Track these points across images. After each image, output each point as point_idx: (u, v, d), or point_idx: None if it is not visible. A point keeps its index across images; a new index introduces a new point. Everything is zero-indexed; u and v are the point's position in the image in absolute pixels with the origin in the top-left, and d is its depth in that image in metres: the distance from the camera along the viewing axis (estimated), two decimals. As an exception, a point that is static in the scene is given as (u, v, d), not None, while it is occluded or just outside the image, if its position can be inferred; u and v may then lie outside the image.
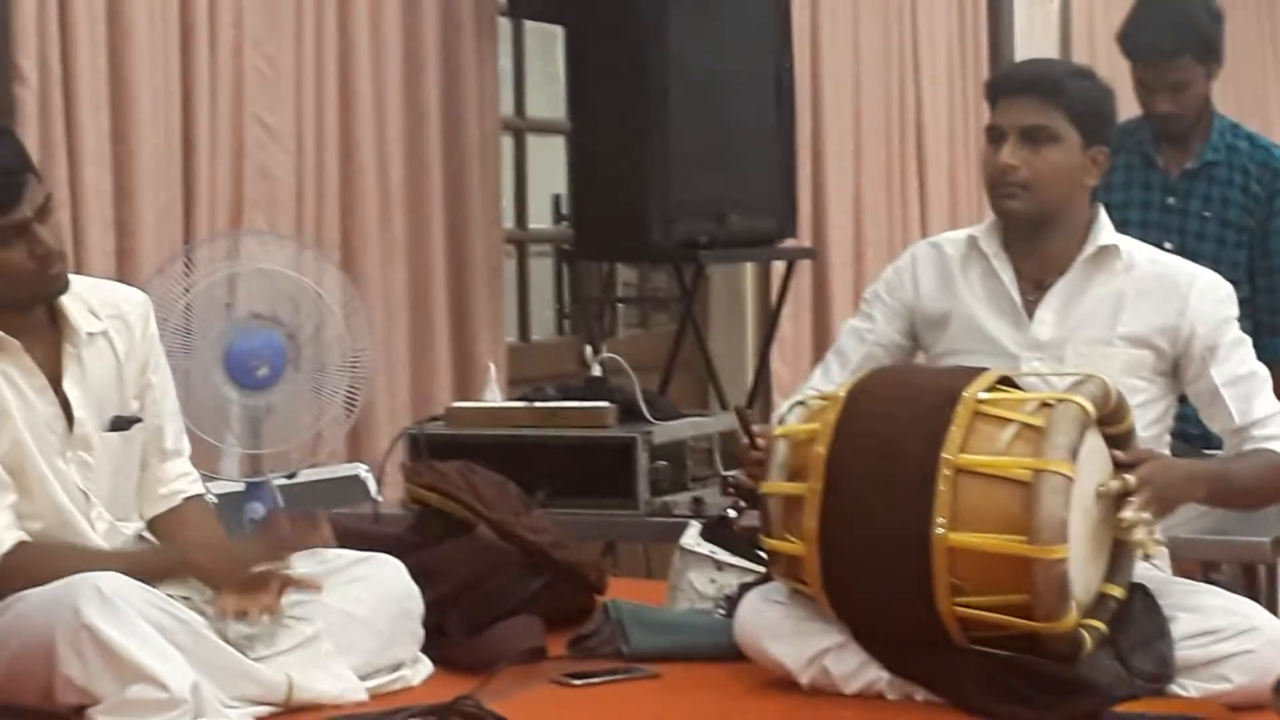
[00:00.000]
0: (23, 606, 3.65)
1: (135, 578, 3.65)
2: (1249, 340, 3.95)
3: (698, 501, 5.33)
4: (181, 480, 4.12)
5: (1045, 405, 3.56)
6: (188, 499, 4.10)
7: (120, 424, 3.99)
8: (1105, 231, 3.96)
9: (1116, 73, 4.88)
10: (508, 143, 7.47)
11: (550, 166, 7.97)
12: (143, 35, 5.60)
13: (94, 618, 3.49)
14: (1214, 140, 4.98)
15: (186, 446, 4.26)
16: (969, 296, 3.99)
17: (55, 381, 3.91)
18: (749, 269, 8.19)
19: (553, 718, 3.60)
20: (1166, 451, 3.91)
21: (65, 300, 3.93)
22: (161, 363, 4.16)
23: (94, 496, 3.94)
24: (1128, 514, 3.55)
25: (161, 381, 4.13)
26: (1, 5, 5.29)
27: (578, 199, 7.11)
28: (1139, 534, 3.56)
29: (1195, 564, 4.19)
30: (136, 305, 4.13)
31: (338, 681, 3.79)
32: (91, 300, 4.03)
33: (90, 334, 3.97)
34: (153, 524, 4.05)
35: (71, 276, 3.98)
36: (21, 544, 3.75)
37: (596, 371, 5.85)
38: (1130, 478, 3.60)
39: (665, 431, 5.58)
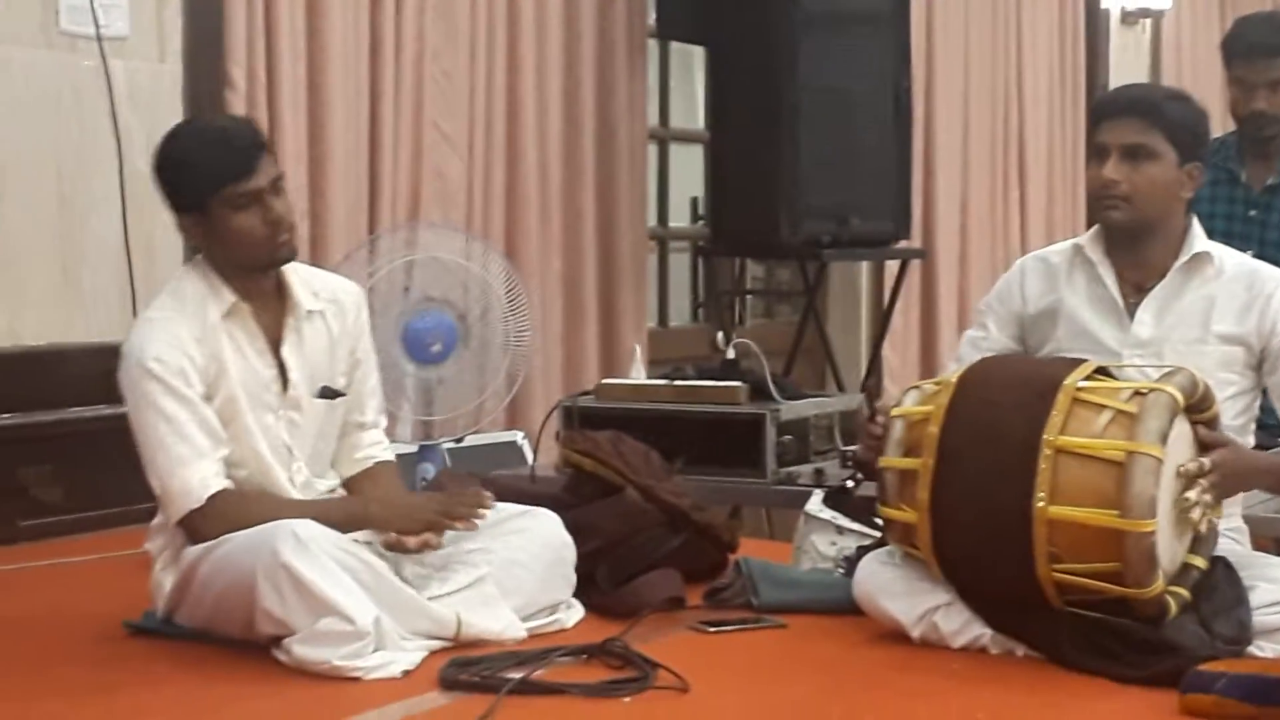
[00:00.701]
0: (227, 548, 3.67)
1: (323, 525, 3.70)
2: None
3: (819, 472, 5.31)
4: (375, 447, 4.19)
5: (1138, 394, 3.53)
6: (379, 463, 4.16)
7: (328, 393, 4.05)
8: (1199, 240, 3.92)
9: (1203, 95, 4.83)
10: (652, 150, 7.47)
11: (689, 172, 7.98)
12: (337, 49, 5.68)
13: (290, 558, 3.53)
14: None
15: (383, 420, 4.31)
16: (1074, 300, 3.95)
17: (275, 347, 3.98)
18: (865, 267, 8.18)
19: (690, 661, 3.56)
20: (1251, 438, 3.86)
21: (291, 279, 4.01)
22: (369, 346, 4.22)
23: (297, 452, 4.00)
24: (1191, 494, 3.53)
25: (366, 362, 4.20)
26: (216, 22, 5.37)
27: (713, 201, 7.14)
28: (1195, 514, 3.55)
29: (1270, 540, 4.11)
30: (351, 295, 4.19)
31: (500, 620, 3.80)
32: (314, 284, 4.09)
33: (310, 311, 4.03)
34: (347, 483, 4.10)
35: (296, 264, 4.06)
36: (226, 491, 3.79)
37: (730, 355, 5.84)
38: (1206, 461, 3.58)
39: (791, 410, 5.55)
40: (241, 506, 3.77)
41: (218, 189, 3.84)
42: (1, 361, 4.94)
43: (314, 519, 3.70)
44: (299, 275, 4.06)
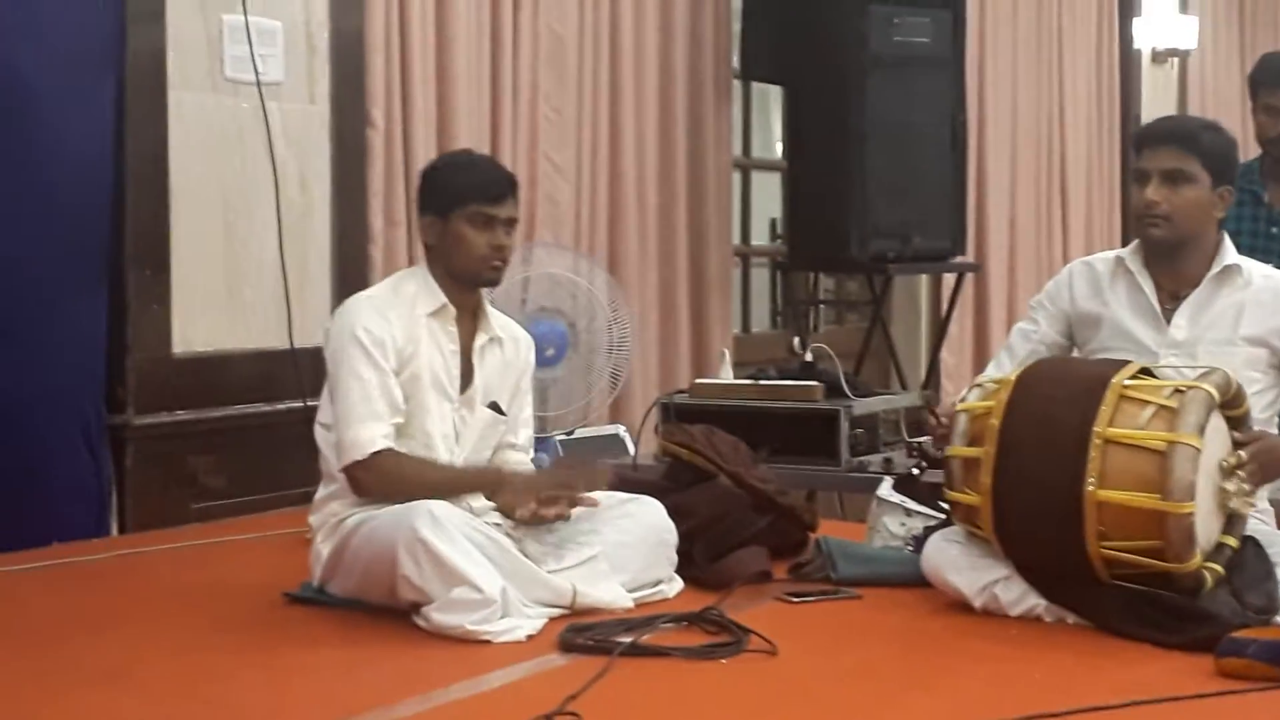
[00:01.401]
0: (373, 524, 3.72)
1: (467, 488, 3.86)
2: None
3: (887, 461, 5.32)
4: (513, 458, 4.18)
5: (1178, 391, 3.52)
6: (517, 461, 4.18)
7: (494, 408, 4.10)
8: (1229, 253, 3.90)
9: (1231, 124, 4.80)
10: (736, 177, 7.45)
11: (768, 196, 7.97)
12: (462, 91, 5.71)
13: (427, 534, 3.56)
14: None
15: (530, 446, 4.31)
16: (1116, 305, 3.94)
17: (466, 353, 4.04)
18: (925, 279, 8.16)
19: (777, 628, 3.56)
20: (1276, 430, 3.83)
21: (490, 307, 4.13)
22: (529, 385, 4.27)
23: (458, 447, 4.02)
24: (1230, 485, 3.54)
25: (525, 395, 4.25)
26: (358, 69, 5.41)
27: (790, 222, 7.13)
28: (1234, 503, 3.56)
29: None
30: (526, 339, 4.27)
31: (611, 592, 3.82)
32: (500, 319, 4.20)
33: (496, 337, 4.11)
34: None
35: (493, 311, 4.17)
36: (389, 450, 3.83)
37: (807, 357, 5.84)
38: (1243, 453, 3.57)
39: (862, 406, 5.57)
40: (398, 465, 3.82)
41: (466, 203, 3.95)
42: (176, 365, 4.96)
43: (456, 480, 3.83)
44: (493, 309, 4.16)
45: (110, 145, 4.76)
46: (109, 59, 4.75)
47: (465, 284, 4.01)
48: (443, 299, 3.98)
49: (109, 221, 4.78)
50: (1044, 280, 8.32)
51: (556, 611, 3.70)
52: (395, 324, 3.92)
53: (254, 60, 5.12)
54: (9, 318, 4.52)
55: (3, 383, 4.48)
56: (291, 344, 5.19)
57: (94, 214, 4.75)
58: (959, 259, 7.26)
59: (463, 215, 3.95)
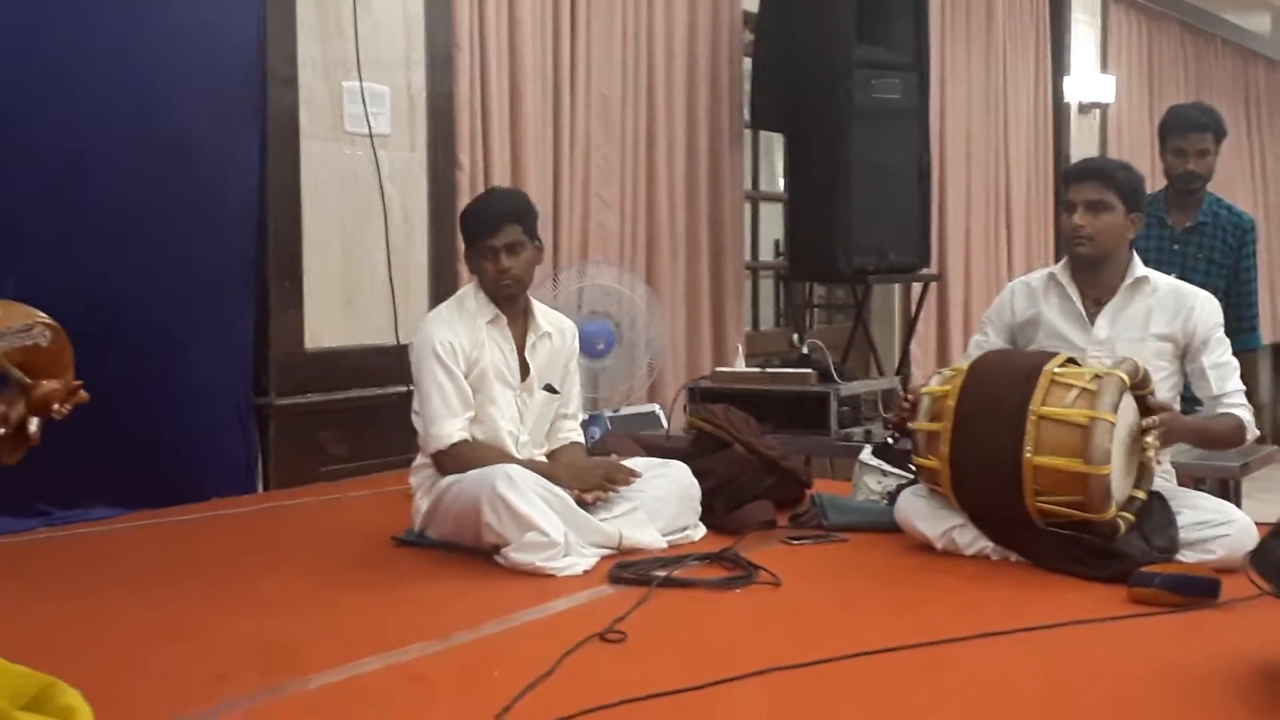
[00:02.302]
0: (462, 484, 3.74)
1: (528, 467, 3.78)
2: (1228, 340, 3.86)
3: (868, 433, 5.32)
4: (570, 432, 4.20)
5: (1097, 376, 3.52)
6: (571, 442, 4.17)
7: (549, 389, 4.10)
8: (1139, 267, 3.89)
9: (1137, 164, 4.79)
10: (747, 207, 7.42)
11: (772, 222, 7.94)
12: (531, 141, 5.73)
13: (504, 491, 3.59)
14: (1205, 208, 4.88)
15: (579, 413, 4.32)
16: (1050, 311, 3.93)
17: (520, 350, 4.04)
18: (897, 288, 8.11)
19: (781, 564, 3.59)
20: (1177, 407, 3.84)
21: (535, 308, 4.10)
22: (575, 365, 4.25)
23: (522, 424, 4.04)
24: (1148, 439, 3.54)
25: (574, 375, 4.23)
26: (448, 122, 5.43)
27: (790, 242, 7.10)
28: (1150, 453, 3.56)
29: (1190, 479, 4.09)
30: (570, 328, 4.24)
31: (649, 536, 3.83)
32: (549, 316, 4.18)
33: (544, 332, 4.09)
34: (550, 453, 4.09)
35: (536, 301, 4.16)
36: (464, 441, 3.87)
37: (804, 350, 5.87)
38: (1157, 419, 3.57)
39: (847, 389, 5.59)
40: (472, 453, 3.83)
41: (473, 241, 3.98)
42: (307, 358, 4.99)
43: (522, 465, 3.77)
44: (539, 308, 4.14)
45: (256, 185, 4.79)
46: (255, 116, 4.77)
47: (504, 303, 4.01)
48: (494, 310, 3.99)
49: (255, 246, 4.81)
50: (992, 288, 8.40)
51: (606, 551, 3.72)
52: (462, 334, 3.94)
53: (367, 117, 5.14)
54: (178, 324, 4.55)
55: (173, 374, 4.51)
56: (397, 340, 5.20)
57: (243, 240, 4.78)
58: (924, 271, 7.22)
59: (474, 251, 3.99)
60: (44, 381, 2.07)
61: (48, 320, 2.12)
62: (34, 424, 2.07)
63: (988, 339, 4.02)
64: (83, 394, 2.14)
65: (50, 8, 4.23)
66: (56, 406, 2.09)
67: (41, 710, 1.97)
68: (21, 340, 2.07)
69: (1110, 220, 3.81)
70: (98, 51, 4.32)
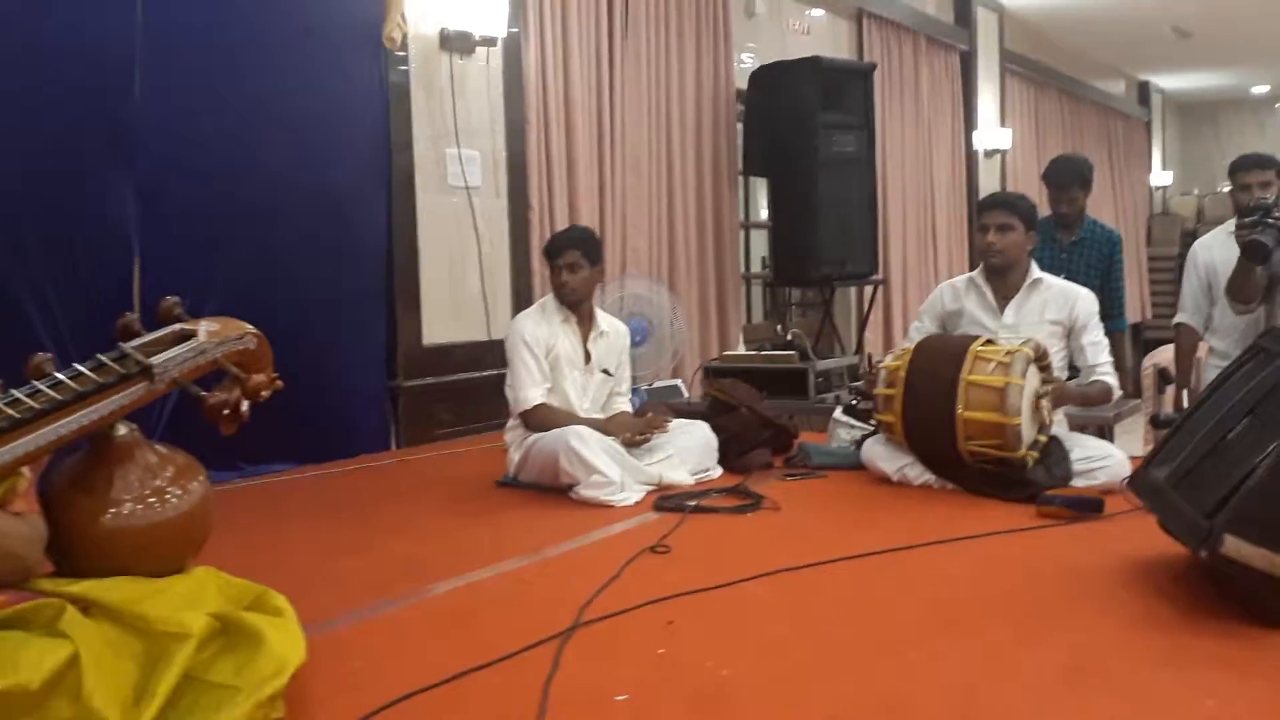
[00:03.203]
0: (543, 440, 3.77)
1: (594, 428, 3.78)
2: (1101, 325, 3.87)
3: (837, 397, 5.33)
4: (621, 401, 4.13)
5: (1009, 352, 3.52)
6: (621, 410, 4.12)
7: (605, 372, 4.08)
8: (1036, 271, 3.89)
9: (1032, 194, 4.77)
10: (741, 233, 7.34)
11: (760, 243, 7.85)
12: (583, 188, 5.72)
13: (576, 445, 3.64)
14: (1084, 227, 4.84)
15: (629, 391, 4.23)
16: (970, 305, 3.93)
17: (584, 343, 4.03)
18: (854, 289, 8.11)
19: (780, 494, 3.61)
20: (1065, 375, 3.85)
21: (598, 314, 4.10)
22: (627, 360, 4.21)
23: (586, 395, 4.03)
24: (1044, 403, 3.57)
25: (625, 366, 4.19)
26: (523, 176, 5.42)
27: (774, 257, 7.03)
28: (1044, 407, 3.59)
29: (1078, 427, 4.10)
30: (623, 329, 4.21)
31: (681, 475, 3.85)
32: (608, 320, 4.16)
33: (603, 331, 4.09)
34: (607, 418, 4.03)
35: (599, 309, 4.15)
36: (543, 404, 3.89)
37: (788, 337, 5.89)
38: (1050, 386, 3.60)
39: (821, 365, 5.61)
40: (549, 414, 3.86)
41: (548, 259, 4.04)
42: (424, 351, 4.98)
43: (585, 424, 3.78)
44: (600, 313, 4.13)
45: (385, 225, 4.80)
46: (383, 175, 4.78)
47: (571, 306, 4.01)
48: (566, 312, 4.00)
49: (385, 270, 4.83)
50: (923, 288, 8.42)
51: (650, 487, 3.75)
52: (542, 328, 3.95)
53: (463, 174, 5.14)
54: (334, 329, 4.56)
55: (331, 365, 4.51)
56: (489, 336, 5.19)
57: (377, 266, 4.79)
58: (874, 276, 7.23)
59: (550, 268, 4.02)
60: (253, 375, 2.08)
61: (254, 330, 2.14)
62: (245, 405, 2.08)
63: (924, 325, 4.02)
64: (278, 383, 2.15)
65: (250, 104, 4.26)
66: (262, 393, 2.10)
67: (260, 610, 1.99)
68: (236, 345, 2.10)
69: (1014, 238, 3.82)
70: (275, 128, 4.35)
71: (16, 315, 3.53)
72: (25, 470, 1.92)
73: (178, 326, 2.06)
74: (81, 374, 1.92)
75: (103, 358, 1.95)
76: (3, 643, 1.76)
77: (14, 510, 1.90)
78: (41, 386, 1.88)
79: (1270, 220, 3.56)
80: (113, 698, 1.76)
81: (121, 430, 2.03)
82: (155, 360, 1.98)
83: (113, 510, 2.00)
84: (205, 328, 2.07)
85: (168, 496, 2.05)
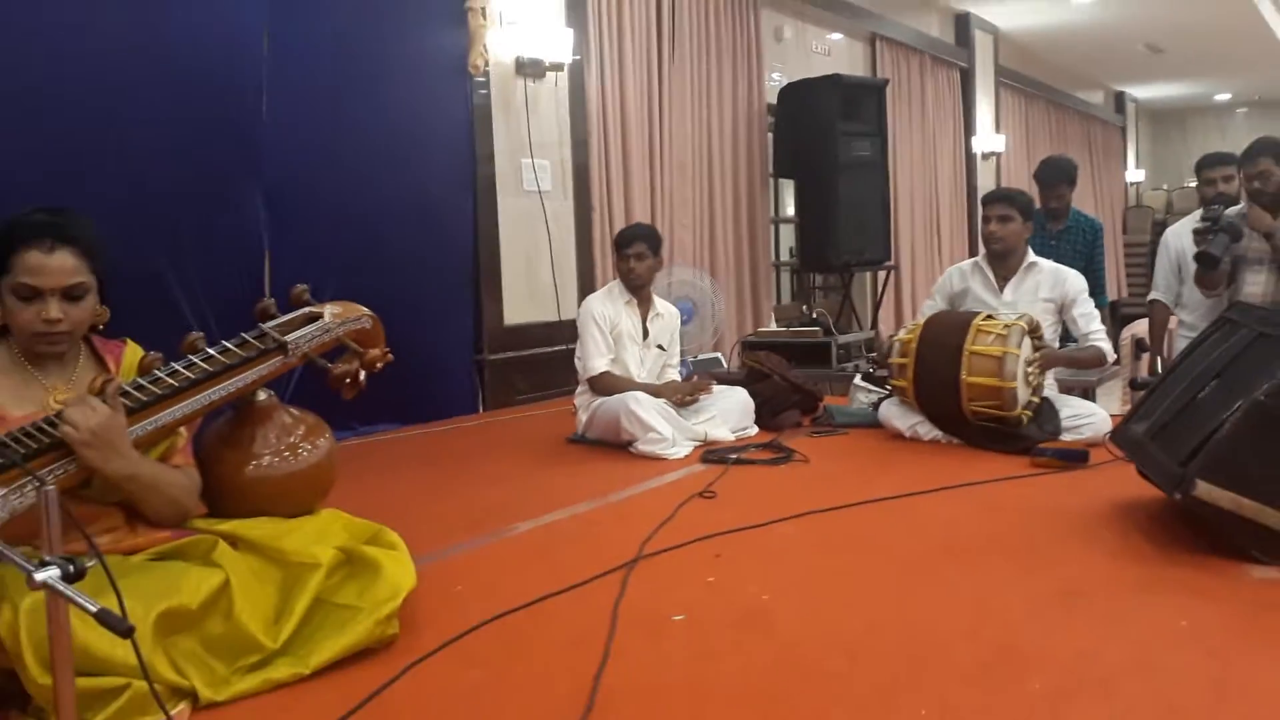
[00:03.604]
0: (608, 403, 3.76)
1: (649, 393, 3.76)
2: (1091, 299, 3.80)
3: (856, 367, 5.28)
4: (673, 371, 4.09)
5: (1007, 325, 3.48)
6: (671, 378, 4.04)
7: (660, 348, 4.05)
8: (1031, 256, 3.83)
9: (1028, 189, 4.68)
10: (772, 226, 7.26)
11: (788, 235, 7.81)
12: (637, 192, 5.68)
13: (634, 407, 3.64)
14: (1071, 217, 4.75)
15: (679, 364, 4.18)
16: (974, 285, 3.87)
17: (643, 322, 4.00)
18: (869, 275, 8.01)
19: (808, 448, 3.60)
20: (1056, 344, 3.79)
21: (655, 298, 4.06)
22: (677, 337, 4.14)
23: (642, 368, 4.00)
24: (1032, 370, 3.51)
25: (675, 343, 4.09)
26: (586, 182, 5.39)
27: (800, 247, 7.01)
28: (1034, 378, 3.53)
29: (1065, 389, 4.04)
30: (675, 312, 4.15)
31: (723, 432, 3.83)
32: (663, 304, 4.11)
33: (658, 313, 4.05)
34: (660, 385, 3.99)
35: (656, 296, 4.10)
36: (607, 372, 3.87)
37: (813, 316, 5.85)
38: (1038, 355, 3.54)
39: (842, 339, 5.56)
40: (613, 380, 3.84)
41: (617, 250, 3.97)
42: (506, 329, 4.98)
43: (645, 389, 3.77)
44: (657, 298, 4.08)
45: (471, 225, 4.79)
46: (468, 181, 4.77)
47: (635, 291, 3.97)
48: (629, 295, 3.96)
49: (471, 262, 4.82)
50: (929, 273, 8.31)
51: (697, 443, 3.74)
52: (609, 308, 3.93)
53: (536, 180, 5.13)
54: (429, 312, 4.53)
55: (427, 342, 4.47)
56: (559, 317, 5.20)
57: (465, 260, 4.78)
58: (887, 263, 7.16)
59: (618, 257, 3.97)
60: (369, 349, 2.08)
61: (369, 312, 2.14)
62: (363, 375, 2.09)
63: (935, 303, 3.97)
64: (389, 356, 2.14)
65: (358, 124, 4.26)
66: (377, 365, 2.10)
67: (377, 544, 2.00)
68: (355, 325, 2.11)
69: (1013, 228, 3.77)
70: (379, 143, 4.34)
71: (168, 301, 3.58)
72: (183, 430, 1.97)
73: (307, 309, 2.08)
74: (228, 349, 1.96)
75: (245, 336, 1.99)
76: (167, 570, 1.81)
77: (174, 463, 1.95)
78: (195, 360, 1.92)
79: (1219, 228, 3.47)
80: (257, 617, 1.80)
81: (261, 396, 2.07)
82: (289, 337, 2.00)
83: (255, 462, 2.05)
84: (330, 310, 2.08)
85: (300, 451, 2.09)
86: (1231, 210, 3.63)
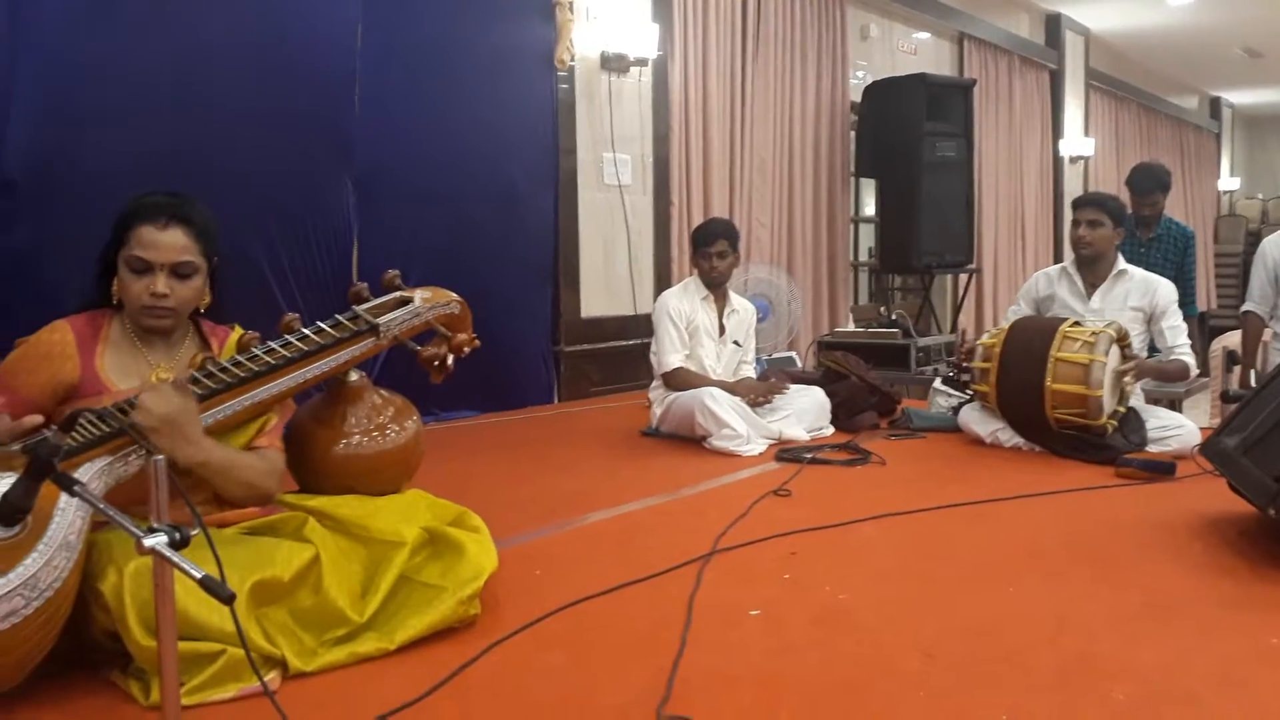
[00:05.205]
0: (682, 397, 3.77)
1: (724, 389, 3.76)
2: (1180, 311, 3.71)
3: (936, 370, 5.20)
4: (748, 368, 4.08)
5: (1094, 333, 3.42)
6: (746, 375, 4.05)
7: (736, 344, 4.04)
8: (1121, 262, 3.75)
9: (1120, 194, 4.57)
10: (852, 226, 7.21)
11: (868, 235, 7.73)
12: (717, 188, 5.69)
13: (709, 403, 3.63)
14: (1161, 225, 4.63)
15: (754, 361, 4.13)
16: (1061, 291, 3.80)
17: (719, 318, 4.00)
18: (950, 277, 7.92)
19: (885, 450, 3.58)
20: (1145, 354, 3.70)
21: (731, 294, 4.04)
22: (753, 333, 4.12)
23: (719, 363, 4.00)
24: (1126, 379, 3.46)
25: (751, 339, 4.09)
26: (666, 177, 5.41)
27: (880, 248, 6.96)
28: (1128, 388, 3.48)
29: (1151, 399, 3.95)
30: (751, 309, 4.13)
31: (798, 431, 3.82)
32: (739, 300, 4.10)
33: (734, 309, 4.05)
34: (735, 381, 3.99)
35: (732, 292, 4.08)
36: (682, 367, 3.87)
37: (892, 317, 5.78)
38: (1131, 363, 3.47)
39: (921, 342, 5.48)
40: (687, 375, 3.84)
41: (697, 247, 3.95)
42: (582, 323, 5.02)
43: (717, 385, 3.77)
44: (733, 294, 4.07)
45: (552, 217, 4.84)
46: (551, 175, 4.82)
47: (712, 288, 3.96)
48: (706, 291, 3.96)
49: (552, 255, 4.87)
50: (1013, 277, 8.18)
51: (772, 441, 3.74)
52: (685, 304, 3.93)
53: (617, 175, 5.17)
54: (509, 302, 4.59)
55: (507, 333, 4.55)
56: (635, 311, 5.24)
57: (545, 252, 4.83)
58: (969, 266, 7.06)
59: (698, 254, 3.94)
60: (457, 334, 2.10)
61: (458, 298, 2.16)
62: (450, 360, 2.10)
63: (1020, 308, 3.91)
64: (476, 342, 2.15)
65: (445, 116, 4.33)
66: (464, 349, 2.11)
67: (460, 526, 2.04)
68: (444, 310, 2.13)
69: (1104, 233, 3.70)
70: (465, 136, 4.41)
71: (263, 285, 3.69)
72: (275, 413, 2.01)
73: (398, 294, 2.11)
74: (323, 329, 2.01)
75: (339, 317, 2.03)
76: (260, 544, 1.87)
77: (259, 444, 1.98)
78: (292, 339, 1.97)
79: None
80: (344, 591, 1.85)
81: (353, 376, 2.12)
82: (381, 320, 2.05)
83: (344, 441, 2.09)
84: (420, 295, 2.11)
85: (388, 431, 2.13)
86: None
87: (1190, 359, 3.65)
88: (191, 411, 1.81)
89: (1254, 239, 12.31)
